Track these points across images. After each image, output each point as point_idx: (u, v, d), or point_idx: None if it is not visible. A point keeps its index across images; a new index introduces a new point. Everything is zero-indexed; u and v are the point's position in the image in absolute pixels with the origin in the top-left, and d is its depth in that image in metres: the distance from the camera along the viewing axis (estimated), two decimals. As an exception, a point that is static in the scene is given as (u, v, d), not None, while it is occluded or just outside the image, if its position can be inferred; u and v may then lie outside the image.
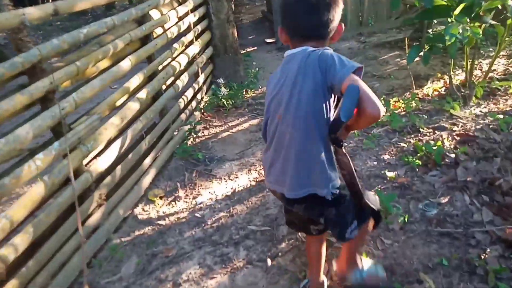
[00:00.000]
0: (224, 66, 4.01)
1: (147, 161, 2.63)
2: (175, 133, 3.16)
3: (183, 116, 3.24)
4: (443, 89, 3.69)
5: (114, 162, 2.22)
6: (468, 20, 2.59)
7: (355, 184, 1.32)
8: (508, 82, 3.50)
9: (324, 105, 1.22)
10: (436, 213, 2.16)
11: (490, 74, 3.69)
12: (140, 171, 2.55)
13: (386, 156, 2.68)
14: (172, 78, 3.12)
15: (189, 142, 3.22)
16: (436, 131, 2.89)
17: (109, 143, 2.26)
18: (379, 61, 4.83)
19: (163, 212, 2.46)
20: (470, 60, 3.50)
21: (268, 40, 6.18)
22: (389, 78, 4.25)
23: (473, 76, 3.60)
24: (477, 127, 2.85)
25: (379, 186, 2.41)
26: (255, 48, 6.06)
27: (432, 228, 2.07)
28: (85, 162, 2.09)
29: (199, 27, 3.59)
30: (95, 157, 2.25)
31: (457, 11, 2.54)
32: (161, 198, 2.57)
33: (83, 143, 1.94)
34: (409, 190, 2.34)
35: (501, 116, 2.79)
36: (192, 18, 3.41)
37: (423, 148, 2.57)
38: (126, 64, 2.32)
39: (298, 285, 1.84)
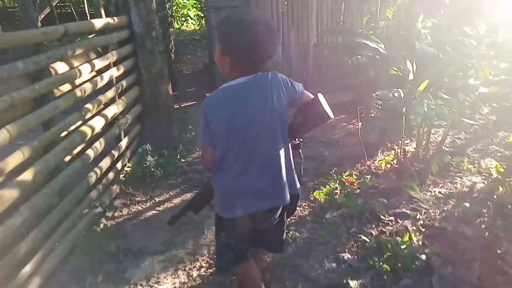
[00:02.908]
0: (155, 127, 3.41)
1: (28, 268, 1.87)
2: (85, 212, 2.43)
3: (94, 193, 2.53)
4: (395, 161, 3.42)
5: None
6: (430, 97, 2.32)
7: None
8: (461, 158, 3.32)
9: (287, 118, 1.43)
10: None
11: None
12: (14, 286, 1.78)
13: (347, 255, 2.20)
14: (81, 146, 2.45)
15: (99, 228, 2.50)
16: (398, 219, 2.50)
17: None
18: (326, 125, 4.49)
19: None
20: (422, 131, 3.29)
21: (208, 94, 5.73)
22: (338, 145, 3.94)
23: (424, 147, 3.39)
24: (443, 215, 2.52)
25: (342, 301, 1.90)
26: (194, 102, 5.55)
27: None
28: None
29: (124, 83, 3.00)
30: None
31: (421, 87, 2.25)
32: (44, 324, 1.81)
33: None
34: (380, 309, 1.85)
35: (467, 204, 2.49)
36: (114, 72, 2.82)
37: (389, 246, 2.13)
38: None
39: None
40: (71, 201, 2.27)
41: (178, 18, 14.24)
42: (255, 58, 1.30)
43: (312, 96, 1.49)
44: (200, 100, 5.65)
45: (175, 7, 13.58)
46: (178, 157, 3.45)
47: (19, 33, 1.88)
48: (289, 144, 1.46)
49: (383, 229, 2.40)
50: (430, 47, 2.58)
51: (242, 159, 1.36)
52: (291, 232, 2.41)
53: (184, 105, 5.39)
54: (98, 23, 2.58)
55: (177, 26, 13.16)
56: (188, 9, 14.83)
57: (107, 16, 3.95)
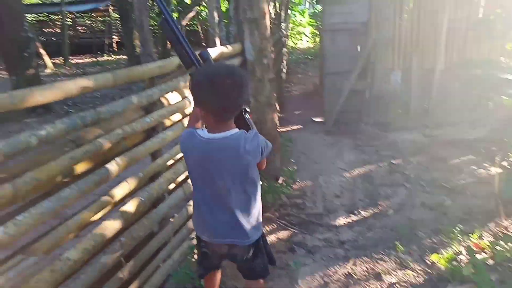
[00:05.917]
0: (258, 155, 3.33)
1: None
2: (182, 242, 2.43)
3: (191, 223, 2.51)
4: (544, 225, 2.71)
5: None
6: None
7: None
8: None
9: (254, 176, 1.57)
10: None
11: None
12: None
13: None
14: (183, 176, 2.46)
15: (194, 258, 2.46)
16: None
17: None
18: (450, 166, 3.92)
19: None
20: None
21: (316, 119, 5.52)
22: (464, 194, 3.32)
23: None
24: None
25: None
26: (300, 126, 5.40)
27: None
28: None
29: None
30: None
31: None
32: None
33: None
34: None
35: None
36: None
37: None
38: (110, 168, 1.68)
39: None
40: (170, 231, 2.27)
41: (293, 36, 14.41)
42: (222, 108, 1.40)
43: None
44: (306, 125, 5.47)
45: (291, 24, 13.79)
46: (278, 189, 3.29)
47: (136, 68, 1.94)
48: (255, 195, 1.59)
49: (528, 327, 1.84)
50: None
51: (204, 196, 1.54)
52: (400, 305, 2.03)
53: (289, 128, 5.28)
54: (212, 52, 2.59)
55: (292, 45, 13.31)
56: (304, 27, 14.91)
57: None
